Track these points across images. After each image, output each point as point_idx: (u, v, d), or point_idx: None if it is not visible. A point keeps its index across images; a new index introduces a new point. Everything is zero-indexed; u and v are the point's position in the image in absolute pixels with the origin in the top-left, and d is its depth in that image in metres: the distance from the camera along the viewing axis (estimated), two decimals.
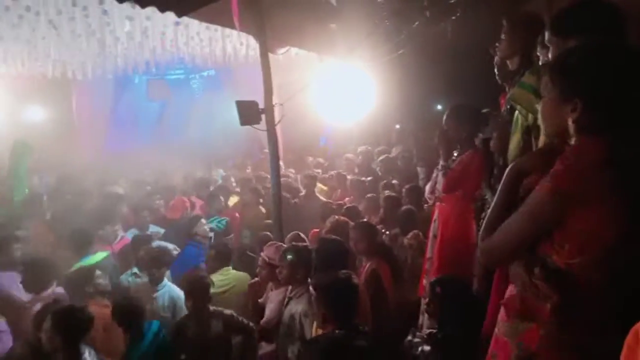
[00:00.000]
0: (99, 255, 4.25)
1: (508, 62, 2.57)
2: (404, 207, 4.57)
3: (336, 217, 4.33)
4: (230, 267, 4.26)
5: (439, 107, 9.13)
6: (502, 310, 1.68)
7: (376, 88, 5.76)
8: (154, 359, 3.16)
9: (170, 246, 4.53)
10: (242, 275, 4.23)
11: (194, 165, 8.92)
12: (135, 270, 4.32)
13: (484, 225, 1.60)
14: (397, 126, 9.12)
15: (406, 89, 7.46)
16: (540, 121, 1.59)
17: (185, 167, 8.67)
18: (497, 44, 2.58)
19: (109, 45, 7.05)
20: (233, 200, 6.74)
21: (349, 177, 6.63)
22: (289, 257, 3.22)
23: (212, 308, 3.42)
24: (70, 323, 2.80)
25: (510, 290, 1.66)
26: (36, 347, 2.86)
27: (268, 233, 4.59)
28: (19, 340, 3.25)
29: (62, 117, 10.20)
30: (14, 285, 3.78)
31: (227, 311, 3.46)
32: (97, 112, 10.59)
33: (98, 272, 3.60)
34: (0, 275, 3.85)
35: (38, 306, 3.37)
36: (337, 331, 2.45)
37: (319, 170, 7.87)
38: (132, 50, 7.36)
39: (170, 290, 3.91)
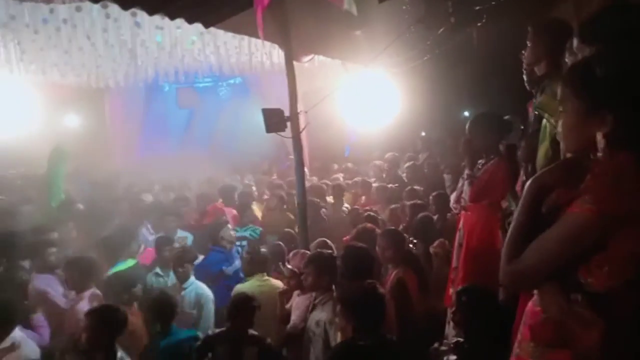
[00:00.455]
0: (130, 262, 4.41)
1: (535, 68, 2.54)
2: (420, 214, 4.50)
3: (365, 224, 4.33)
4: (265, 274, 4.19)
5: (466, 113, 9.05)
6: (523, 328, 1.59)
7: (401, 95, 5.76)
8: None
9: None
10: (277, 283, 4.16)
11: (222, 172, 9.08)
12: (157, 270, 4.49)
13: (506, 244, 1.49)
14: (423, 133, 9.08)
15: (432, 95, 7.43)
16: (560, 137, 1.52)
17: (213, 174, 8.83)
18: (523, 51, 2.55)
19: (140, 55, 7.29)
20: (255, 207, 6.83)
21: (374, 184, 6.62)
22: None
23: (251, 332, 3.23)
24: (113, 321, 2.92)
25: (533, 309, 1.56)
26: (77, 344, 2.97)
27: (280, 243, 4.55)
28: (57, 337, 3.38)
29: (96, 125, 10.53)
30: (49, 287, 3.95)
31: (268, 340, 3.26)
32: (129, 119, 10.90)
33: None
34: (37, 277, 4.02)
35: (81, 304, 3.53)
36: (362, 341, 2.46)
37: (339, 175, 7.94)
38: (162, 60, 7.58)
39: (197, 288, 4.01)
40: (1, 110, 7.46)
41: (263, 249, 4.30)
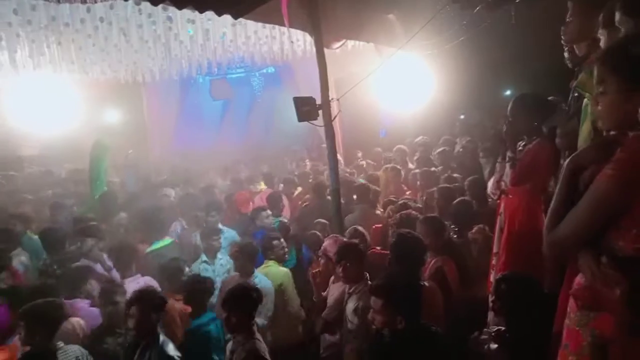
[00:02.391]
0: (166, 241, 4.70)
1: (575, 46, 2.40)
2: (458, 200, 4.37)
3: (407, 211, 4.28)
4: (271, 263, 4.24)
5: (507, 92, 8.68)
6: (571, 301, 1.68)
7: (437, 78, 5.61)
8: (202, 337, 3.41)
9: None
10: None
11: (258, 161, 9.20)
12: (204, 258, 4.65)
13: (547, 219, 1.63)
14: (462, 116, 8.80)
15: (470, 77, 7.16)
16: (597, 116, 1.52)
17: (248, 163, 8.96)
18: (563, 27, 2.41)
19: (174, 48, 7.42)
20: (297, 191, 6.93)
21: (414, 170, 6.49)
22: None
23: (256, 336, 3.01)
24: (156, 306, 3.05)
25: (578, 280, 1.66)
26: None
27: (316, 232, 4.58)
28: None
29: (134, 119, 10.85)
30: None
31: (262, 346, 3.00)
32: (166, 112, 11.17)
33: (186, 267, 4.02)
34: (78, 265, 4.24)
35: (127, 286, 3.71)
36: (403, 330, 2.44)
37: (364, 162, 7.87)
38: (195, 52, 7.68)
39: (261, 281, 3.97)
40: (47, 108, 7.80)
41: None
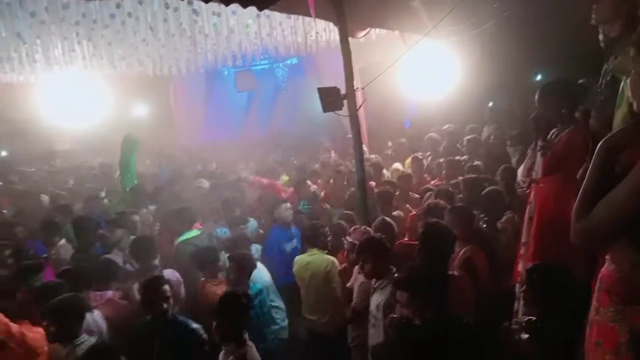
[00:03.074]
0: (194, 232, 4.80)
1: (607, 27, 2.29)
2: (488, 189, 4.30)
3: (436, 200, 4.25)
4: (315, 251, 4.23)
5: (539, 77, 8.38)
6: (600, 296, 1.61)
7: (464, 64, 5.49)
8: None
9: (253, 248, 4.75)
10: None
11: (285, 152, 9.26)
12: None
13: (576, 203, 1.53)
14: (490, 104, 8.59)
15: (499, 62, 6.96)
16: (632, 96, 1.45)
17: (274, 155, 9.03)
18: (594, 6, 2.31)
19: (199, 42, 7.50)
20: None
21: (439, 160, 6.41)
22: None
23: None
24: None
25: (607, 272, 1.59)
26: None
27: (341, 222, 4.57)
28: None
29: (162, 112, 11.06)
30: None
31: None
32: (192, 105, 11.33)
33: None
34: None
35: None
36: (431, 321, 2.43)
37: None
38: (220, 45, 7.75)
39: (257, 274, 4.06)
40: (78, 104, 8.02)
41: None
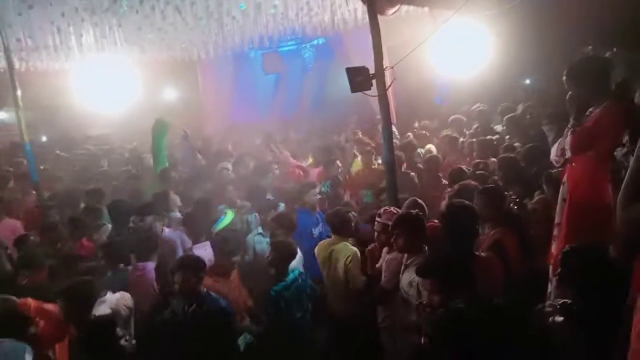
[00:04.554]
0: (230, 216, 4.99)
1: None
2: (522, 170, 4.21)
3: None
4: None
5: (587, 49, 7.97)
6: None
7: (497, 40, 5.30)
8: (291, 294, 3.71)
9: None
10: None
11: (312, 134, 9.23)
12: (260, 230, 4.89)
13: (621, 193, 1.45)
14: (527, 81, 8.28)
15: (536, 37, 6.65)
16: None
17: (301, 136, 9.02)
18: None
19: (226, 24, 7.50)
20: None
21: (463, 139, 6.28)
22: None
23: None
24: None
25: None
26: None
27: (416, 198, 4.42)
28: None
29: (191, 96, 11.19)
30: (179, 239, 4.68)
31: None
32: (220, 89, 11.40)
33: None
34: (168, 231, 4.69)
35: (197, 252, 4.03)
36: (460, 305, 2.40)
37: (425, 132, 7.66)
38: (247, 26, 7.73)
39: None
40: (110, 89, 8.19)
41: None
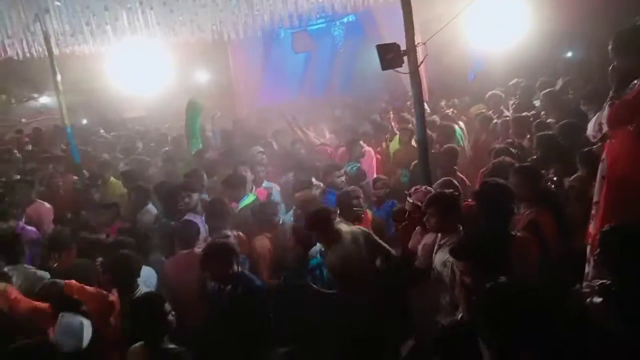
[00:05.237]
0: (251, 197, 5.00)
1: None
2: (561, 147, 4.06)
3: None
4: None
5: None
6: None
7: (536, 10, 5.07)
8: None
9: None
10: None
11: (342, 113, 9.18)
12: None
13: None
14: (569, 54, 7.88)
15: (578, 7, 6.30)
16: None
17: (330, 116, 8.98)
18: None
19: (256, 4, 7.47)
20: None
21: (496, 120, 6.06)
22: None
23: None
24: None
25: None
26: None
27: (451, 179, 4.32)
28: None
29: (222, 78, 11.29)
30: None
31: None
32: (250, 69, 11.44)
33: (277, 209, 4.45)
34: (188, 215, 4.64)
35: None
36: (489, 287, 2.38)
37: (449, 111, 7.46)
38: (276, 6, 7.68)
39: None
40: (145, 72, 8.37)
41: None
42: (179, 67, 9.29)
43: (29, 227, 4.94)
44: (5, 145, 9.44)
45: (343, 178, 5.19)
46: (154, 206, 5.28)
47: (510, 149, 4.71)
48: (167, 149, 7.94)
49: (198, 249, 3.91)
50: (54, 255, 3.97)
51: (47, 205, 5.55)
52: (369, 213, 4.56)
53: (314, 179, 5.11)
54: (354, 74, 10.78)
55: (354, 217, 4.10)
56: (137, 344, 2.84)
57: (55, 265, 3.90)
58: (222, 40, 9.32)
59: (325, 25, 11.35)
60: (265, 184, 5.68)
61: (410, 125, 6.28)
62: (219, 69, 11.25)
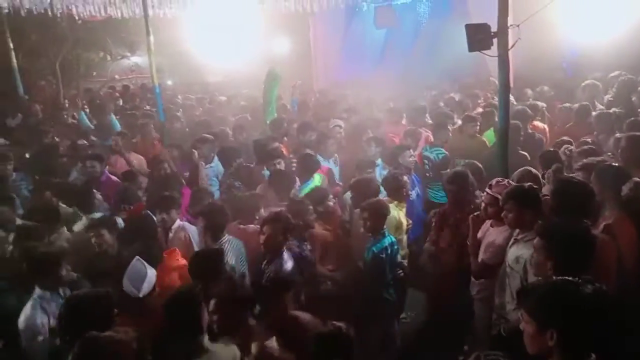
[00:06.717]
0: (318, 178, 4.92)
1: None
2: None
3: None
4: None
5: None
6: None
7: None
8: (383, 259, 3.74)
9: None
10: None
11: (418, 93, 8.94)
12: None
13: None
14: None
15: None
16: None
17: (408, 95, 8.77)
18: None
19: None
20: None
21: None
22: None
23: None
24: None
25: None
26: None
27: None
28: None
29: (302, 49, 11.36)
30: None
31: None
32: (330, 42, 11.40)
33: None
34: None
35: None
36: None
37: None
38: None
39: None
40: (229, 38, 8.58)
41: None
42: (261, 36, 9.45)
43: (113, 177, 5.35)
44: (100, 99, 10.26)
45: (413, 159, 5.14)
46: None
47: (564, 152, 4.42)
48: (239, 116, 8.10)
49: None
50: (123, 206, 4.32)
51: (139, 156, 6.01)
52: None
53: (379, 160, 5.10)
54: (436, 54, 10.37)
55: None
56: None
57: (124, 216, 4.19)
58: (305, 11, 9.37)
59: (410, 1, 10.99)
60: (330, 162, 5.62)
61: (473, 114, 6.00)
62: (299, 40, 11.31)
